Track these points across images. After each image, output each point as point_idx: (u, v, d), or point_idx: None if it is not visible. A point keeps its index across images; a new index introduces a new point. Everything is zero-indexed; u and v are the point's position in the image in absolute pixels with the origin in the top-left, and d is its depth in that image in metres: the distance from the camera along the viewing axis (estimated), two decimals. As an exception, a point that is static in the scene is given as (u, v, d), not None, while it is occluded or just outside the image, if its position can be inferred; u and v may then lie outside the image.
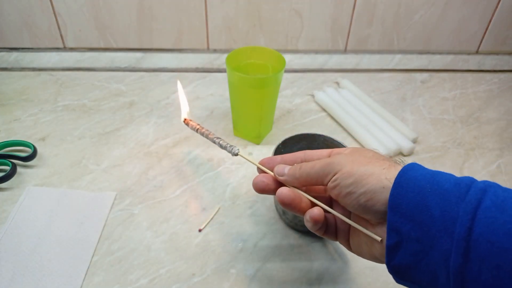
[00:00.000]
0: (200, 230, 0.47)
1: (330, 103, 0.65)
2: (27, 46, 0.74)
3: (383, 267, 0.30)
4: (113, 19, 0.71)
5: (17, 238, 0.45)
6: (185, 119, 0.49)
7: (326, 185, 0.32)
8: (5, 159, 0.53)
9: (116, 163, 0.55)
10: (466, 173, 0.56)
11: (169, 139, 0.60)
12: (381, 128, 0.61)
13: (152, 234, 0.47)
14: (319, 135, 0.49)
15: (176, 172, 0.54)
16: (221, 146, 0.43)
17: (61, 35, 0.73)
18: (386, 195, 0.29)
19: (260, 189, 0.36)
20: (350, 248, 0.35)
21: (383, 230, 0.29)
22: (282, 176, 0.35)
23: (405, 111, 0.67)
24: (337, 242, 0.46)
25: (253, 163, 0.38)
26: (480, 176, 0.56)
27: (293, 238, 0.47)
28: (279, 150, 0.47)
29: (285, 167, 0.35)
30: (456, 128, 0.64)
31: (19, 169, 0.53)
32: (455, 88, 0.73)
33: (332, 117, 0.65)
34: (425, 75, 0.76)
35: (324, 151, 0.36)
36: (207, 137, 0.45)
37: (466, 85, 0.74)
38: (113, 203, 0.50)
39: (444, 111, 0.67)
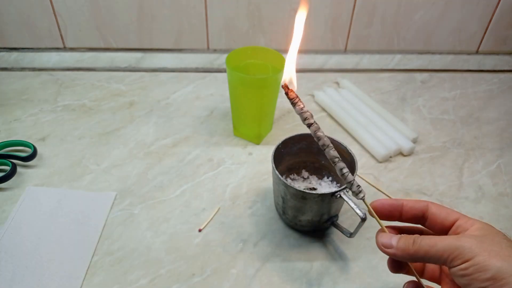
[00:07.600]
0: (200, 230, 0.47)
1: (330, 103, 0.65)
2: (27, 46, 0.74)
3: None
4: (113, 19, 0.71)
5: (17, 238, 0.45)
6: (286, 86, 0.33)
7: (448, 267, 0.29)
8: (5, 159, 0.53)
9: (116, 163, 0.55)
10: (466, 173, 0.56)
11: (169, 139, 0.60)
12: (381, 128, 0.61)
13: (152, 234, 0.47)
14: (319, 135, 0.49)
15: (176, 172, 0.54)
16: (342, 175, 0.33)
17: (61, 35, 0.73)
18: None
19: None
20: None
21: None
22: (389, 248, 0.31)
23: (405, 111, 0.67)
24: (337, 242, 0.46)
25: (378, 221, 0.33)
26: (480, 176, 0.56)
27: (293, 238, 0.47)
28: (279, 150, 0.47)
29: (392, 238, 0.31)
30: (456, 128, 0.64)
31: (19, 169, 0.53)
32: (455, 88, 0.73)
33: (332, 117, 0.65)
34: (425, 75, 0.76)
35: (449, 218, 0.31)
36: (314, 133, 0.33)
37: (466, 85, 0.74)
38: (113, 203, 0.50)
39: (444, 111, 0.67)
